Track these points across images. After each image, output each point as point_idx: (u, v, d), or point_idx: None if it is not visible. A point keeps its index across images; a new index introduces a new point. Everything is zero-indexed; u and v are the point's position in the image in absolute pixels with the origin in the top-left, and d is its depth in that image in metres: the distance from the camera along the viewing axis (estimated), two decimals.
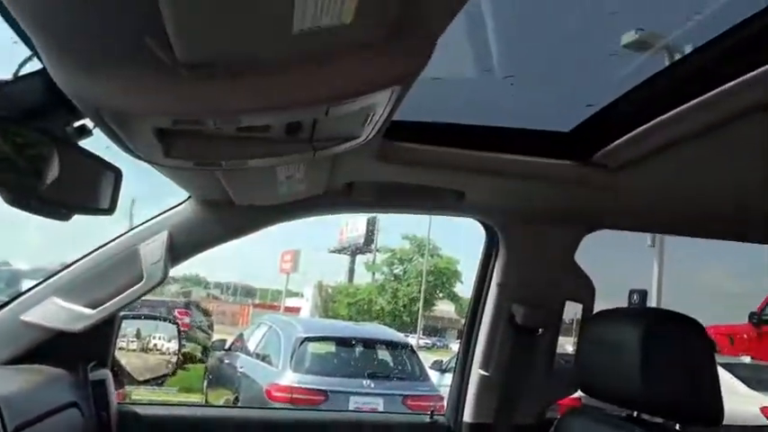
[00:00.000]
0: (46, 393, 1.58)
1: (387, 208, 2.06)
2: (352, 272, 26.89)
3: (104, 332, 1.88)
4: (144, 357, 2.36)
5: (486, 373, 2.13)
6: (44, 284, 1.77)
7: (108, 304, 1.73)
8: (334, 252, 27.87)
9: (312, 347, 7.18)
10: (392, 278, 24.64)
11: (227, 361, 8.55)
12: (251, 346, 8.26)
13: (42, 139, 1.07)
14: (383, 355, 7.61)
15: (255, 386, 7.02)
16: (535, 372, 2.12)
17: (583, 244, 2.11)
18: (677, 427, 1.52)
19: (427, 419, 2.20)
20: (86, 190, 1.16)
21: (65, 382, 1.68)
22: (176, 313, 10.79)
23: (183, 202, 1.86)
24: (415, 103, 1.66)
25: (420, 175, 1.81)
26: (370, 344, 7.53)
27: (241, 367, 7.83)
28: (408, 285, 24.77)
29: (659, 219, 2.06)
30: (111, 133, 1.08)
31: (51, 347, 1.73)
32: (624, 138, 1.50)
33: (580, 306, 2.10)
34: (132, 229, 1.85)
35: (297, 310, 23.78)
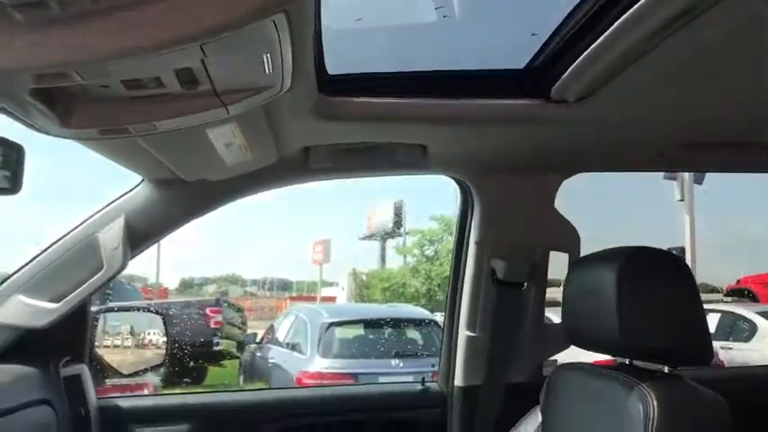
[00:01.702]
0: (9, 391, 1.55)
1: (348, 172, 1.97)
2: (383, 257, 26.83)
3: (76, 326, 1.85)
4: (139, 353, 2.35)
5: (472, 334, 2.05)
6: (8, 282, 1.74)
7: (71, 296, 1.68)
8: (364, 239, 27.81)
9: (339, 332, 7.18)
10: (424, 259, 24.52)
11: (258, 354, 8.63)
12: (280, 336, 8.32)
13: None
14: (410, 333, 7.58)
15: (287, 375, 7.05)
16: (524, 328, 2.04)
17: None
18: (666, 369, 1.43)
19: (419, 387, 2.14)
20: None
21: (34, 379, 1.65)
22: (208, 311, 10.86)
23: (138, 184, 1.81)
24: (357, 55, 1.60)
25: (377, 132, 1.73)
26: (396, 324, 7.50)
27: (272, 358, 7.89)
28: (441, 265, 24.58)
29: (636, 154, 1.93)
30: (1, 108, 1.04)
31: (21, 347, 1.70)
32: (578, 63, 1.38)
33: None
34: (90, 216, 1.81)
35: (333, 299, 23.85)
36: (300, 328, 7.65)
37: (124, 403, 1.98)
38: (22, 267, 1.75)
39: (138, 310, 2.19)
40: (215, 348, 10.29)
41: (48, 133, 1.11)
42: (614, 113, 1.60)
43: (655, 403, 1.25)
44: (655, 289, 1.38)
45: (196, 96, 1.09)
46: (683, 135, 1.78)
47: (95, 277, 1.69)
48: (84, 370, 1.85)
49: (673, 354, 1.39)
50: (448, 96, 1.60)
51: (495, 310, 2.03)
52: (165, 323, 2.24)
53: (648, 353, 1.40)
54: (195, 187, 1.76)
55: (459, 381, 2.07)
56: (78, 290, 1.69)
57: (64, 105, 1.06)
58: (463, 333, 2.07)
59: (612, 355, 1.53)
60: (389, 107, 1.59)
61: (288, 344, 7.91)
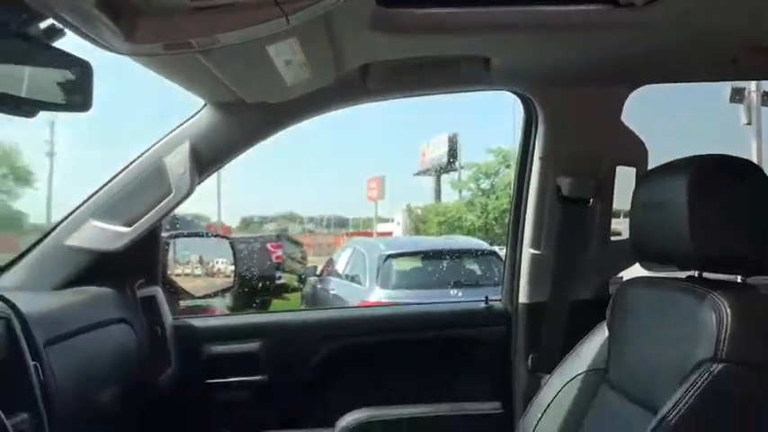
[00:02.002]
0: (90, 310, 1.62)
1: (407, 90, 1.94)
2: (438, 192, 26.60)
3: (149, 250, 1.92)
4: (209, 281, 2.42)
5: (537, 252, 2.03)
6: (82, 207, 1.80)
7: (142, 220, 1.74)
8: (418, 174, 27.67)
9: (396, 263, 7.28)
10: (480, 193, 24.26)
11: (319, 286, 8.85)
12: (339, 268, 8.50)
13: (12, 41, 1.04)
14: (468, 263, 7.62)
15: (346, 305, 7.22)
16: (590, 245, 2.01)
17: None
18: (739, 279, 1.38)
19: (482, 305, 2.14)
20: (59, 88, 1.14)
21: (111, 299, 1.72)
22: (269, 246, 11.15)
23: (201, 109, 1.83)
24: None
25: (437, 45, 1.69)
26: (453, 254, 7.55)
27: (332, 289, 8.10)
28: (497, 198, 24.30)
29: (708, 61, 1.82)
30: (68, 24, 1.05)
31: (98, 269, 1.77)
32: None
33: None
34: (156, 143, 1.84)
35: (389, 234, 23.97)
36: (359, 261, 7.79)
37: (198, 323, 2.06)
38: (94, 194, 1.81)
39: (207, 235, 2.26)
40: (278, 282, 10.62)
41: (113, 50, 1.12)
42: (684, 17, 1.51)
43: (728, 311, 1.21)
44: (727, 195, 1.32)
45: (257, 6, 1.08)
46: (758, 38, 1.67)
47: (164, 202, 1.74)
48: (158, 291, 1.93)
49: (746, 262, 1.34)
50: (512, 3, 1.54)
51: (560, 227, 2.00)
52: (233, 247, 2.27)
53: (721, 262, 1.36)
54: (256, 110, 1.78)
55: (523, 298, 2.07)
56: (149, 214, 1.74)
57: (128, 19, 1.07)
58: (527, 251, 2.05)
59: (682, 268, 1.49)
60: (449, 17, 1.55)
61: (347, 275, 8.08)
